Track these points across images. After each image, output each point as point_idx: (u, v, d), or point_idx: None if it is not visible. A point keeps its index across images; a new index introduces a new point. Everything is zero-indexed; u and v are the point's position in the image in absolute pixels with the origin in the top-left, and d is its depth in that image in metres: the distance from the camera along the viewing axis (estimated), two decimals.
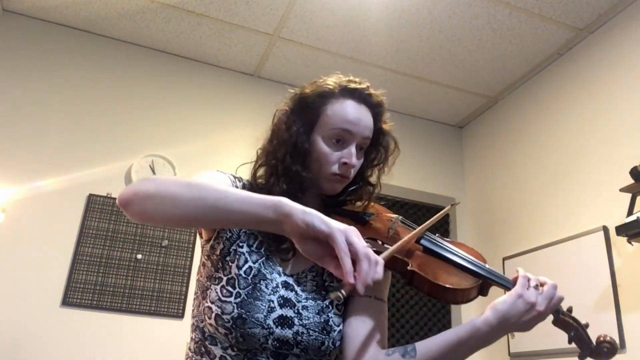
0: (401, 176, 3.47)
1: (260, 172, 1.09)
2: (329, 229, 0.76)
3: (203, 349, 0.99)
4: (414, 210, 3.48)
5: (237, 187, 1.06)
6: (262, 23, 2.97)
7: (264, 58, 3.26)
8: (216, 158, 3.14)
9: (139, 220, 0.87)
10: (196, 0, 2.82)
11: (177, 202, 0.83)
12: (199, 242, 3.01)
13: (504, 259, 3.04)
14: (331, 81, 1.09)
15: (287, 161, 1.03)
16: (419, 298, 3.29)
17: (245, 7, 2.85)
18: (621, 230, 2.24)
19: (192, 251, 2.86)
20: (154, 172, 2.94)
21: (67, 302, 2.58)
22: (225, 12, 2.90)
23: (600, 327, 2.39)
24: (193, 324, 1.04)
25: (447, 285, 0.95)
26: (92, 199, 2.78)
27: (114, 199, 2.81)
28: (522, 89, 3.34)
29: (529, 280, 0.96)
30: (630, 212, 2.26)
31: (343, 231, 0.76)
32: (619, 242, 2.37)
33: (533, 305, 0.93)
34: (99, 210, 2.78)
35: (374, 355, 0.97)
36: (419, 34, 2.97)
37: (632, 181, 2.26)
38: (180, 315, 2.72)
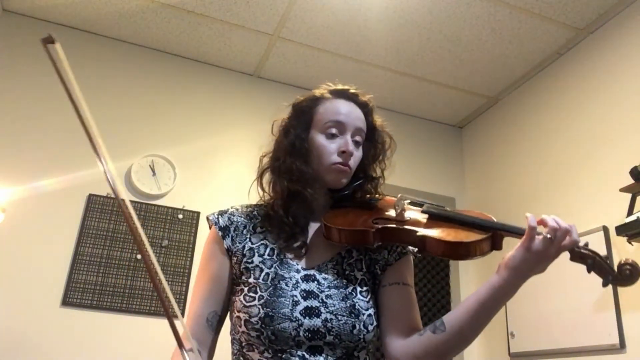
0: (401, 176, 3.47)
1: (266, 176, 1.16)
2: None
3: (242, 357, 1.03)
4: None
5: (229, 225, 1.11)
6: (262, 23, 2.97)
7: (264, 58, 3.26)
8: (216, 158, 3.14)
9: None
10: (196, 0, 2.82)
11: None
12: (199, 243, 3.01)
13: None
14: (321, 88, 1.19)
15: (288, 160, 1.10)
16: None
17: (245, 7, 2.85)
18: (621, 230, 2.24)
19: (192, 251, 2.86)
20: (154, 172, 2.94)
21: (67, 302, 2.58)
22: (225, 12, 2.90)
23: (600, 327, 2.39)
24: (232, 338, 1.08)
25: (458, 241, 0.98)
26: (92, 199, 2.78)
27: (114, 199, 2.81)
28: (522, 89, 3.34)
29: (544, 223, 0.93)
30: (630, 212, 2.26)
31: None
32: (619, 242, 2.37)
33: (543, 253, 0.92)
34: (99, 210, 2.78)
35: (409, 339, 1.01)
36: (419, 34, 2.97)
37: (632, 181, 2.26)
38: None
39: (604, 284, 0.95)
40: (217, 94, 3.30)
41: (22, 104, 2.85)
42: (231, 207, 1.16)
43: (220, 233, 1.10)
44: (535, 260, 0.92)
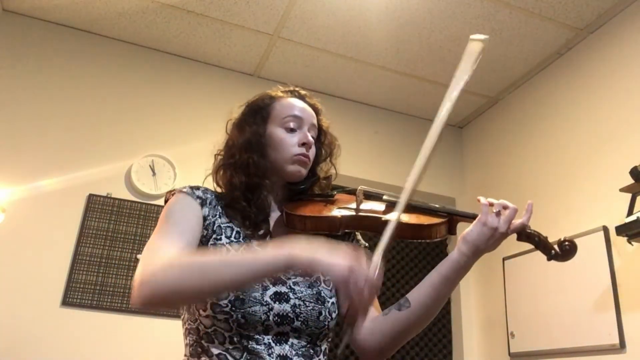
0: (401, 176, 3.47)
1: (221, 173, 1.18)
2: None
3: (199, 348, 0.99)
4: None
5: (205, 198, 1.09)
6: (262, 23, 2.97)
7: (264, 58, 3.26)
8: None
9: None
10: (196, 0, 2.82)
11: (191, 293, 0.90)
12: None
13: (504, 259, 3.04)
14: (273, 89, 1.24)
15: (244, 156, 1.13)
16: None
17: (245, 7, 2.85)
18: (621, 230, 2.24)
19: None
20: (154, 172, 2.94)
21: (67, 302, 2.58)
22: (225, 12, 2.90)
23: (600, 327, 2.39)
24: (187, 329, 1.06)
25: (420, 224, 1.08)
26: (92, 199, 2.78)
27: (114, 199, 2.81)
28: (522, 89, 3.34)
29: (492, 204, 1.05)
30: (630, 212, 2.26)
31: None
32: (619, 242, 2.37)
33: (496, 229, 1.03)
34: (99, 210, 2.77)
35: (373, 320, 1.08)
36: (419, 34, 2.97)
37: (632, 181, 2.26)
38: (180, 315, 2.72)
39: (548, 259, 1.08)
40: (217, 94, 3.30)
41: (22, 104, 2.85)
42: (211, 189, 1.16)
43: (198, 201, 1.08)
44: (490, 234, 1.03)
